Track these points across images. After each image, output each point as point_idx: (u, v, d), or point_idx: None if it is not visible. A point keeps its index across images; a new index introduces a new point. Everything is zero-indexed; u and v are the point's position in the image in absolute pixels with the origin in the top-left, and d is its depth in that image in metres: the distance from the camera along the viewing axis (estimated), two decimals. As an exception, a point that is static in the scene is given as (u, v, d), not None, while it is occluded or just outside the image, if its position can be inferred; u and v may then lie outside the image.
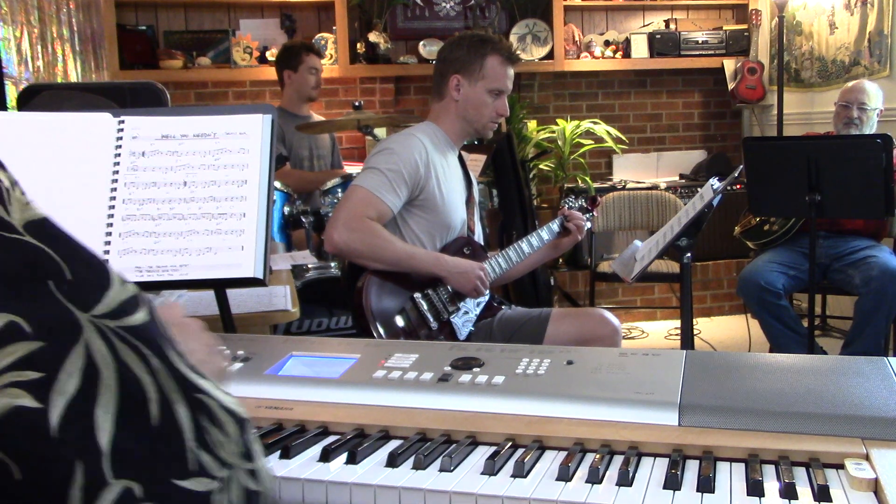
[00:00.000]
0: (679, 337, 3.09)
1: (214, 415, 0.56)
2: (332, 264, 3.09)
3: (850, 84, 3.70)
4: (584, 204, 2.69)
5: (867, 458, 0.88)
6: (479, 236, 2.49)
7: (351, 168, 4.06)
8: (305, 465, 0.95)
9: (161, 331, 0.57)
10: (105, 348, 0.52)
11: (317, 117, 4.21)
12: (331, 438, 1.02)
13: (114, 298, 0.54)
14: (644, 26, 5.38)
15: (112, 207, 1.43)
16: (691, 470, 0.90)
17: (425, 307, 2.21)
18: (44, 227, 0.53)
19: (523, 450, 0.96)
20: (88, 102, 1.94)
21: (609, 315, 2.35)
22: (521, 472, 0.90)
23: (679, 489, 0.86)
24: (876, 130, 3.57)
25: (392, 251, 2.16)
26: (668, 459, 0.92)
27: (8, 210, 0.52)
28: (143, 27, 4.75)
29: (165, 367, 0.55)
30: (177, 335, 0.77)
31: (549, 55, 5.10)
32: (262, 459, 0.59)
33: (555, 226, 2.52)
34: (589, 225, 2.71)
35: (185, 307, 1.73)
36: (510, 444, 0.97)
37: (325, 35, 4.87)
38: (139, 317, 0.55)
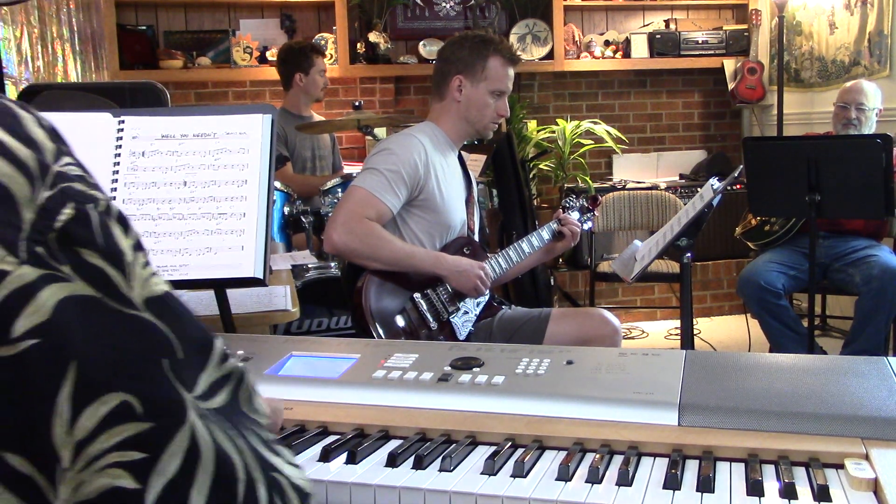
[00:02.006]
0: (679, 337, 3.09)
1: (285, 493, 0.56)
2: (332, 264, 3.09)
3: (847, 84, 3.69)
4: (584, 203, 2.68)
5: (867, 457, 0.88)
6: (478, 236, 2.49)
7: (351, 168, 4.06)
8: (305, 464, 0.95)
9: (242, 410, 0.57)
10: (205, 430, 0.52)
11: (318, 117, 4.21)
12: (330, 438, 1.02)
13: (207, 379, 0.54)
14: (644, 26, 5.38)
15: (112, 207, 1.43)
16: (691, 470, 0.90)
17: (425, 307, 2.21)
18: (162, 304, 0.53)
19: (523, 450, 0.96)
20: (88, 102, 1.94)
21: (609, 315, 2.35)
22: (520, 471, 0.90)
23: (679, 489, 0.86)
24: (875, 130, 3.57)
25: (391, 251, 2.16)
26: (667, 459, 0.92)
27: (130, 284, 0.52)
28: (143, 27, 4.75)
29: (248, 447, 0.55)
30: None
31: (549, 55, 5.10)
32: None
33: (554, 226, 2.52)
34: (590, 225, 2.70)
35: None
36: (510, 444, 0.97)
37: (325, 35, 4.87)
38: (223, 397, 0.55)
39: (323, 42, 4.80)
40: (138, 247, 0.54)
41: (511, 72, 2.36)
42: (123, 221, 0.55)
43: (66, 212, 0.51)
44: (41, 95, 2.01)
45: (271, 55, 4.75)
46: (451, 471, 0.91)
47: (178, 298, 0.55)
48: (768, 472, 0.89)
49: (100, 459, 0.49)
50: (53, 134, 0.55)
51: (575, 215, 2.59)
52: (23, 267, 0.48)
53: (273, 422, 0.96)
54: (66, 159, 0.54)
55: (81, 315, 0.49)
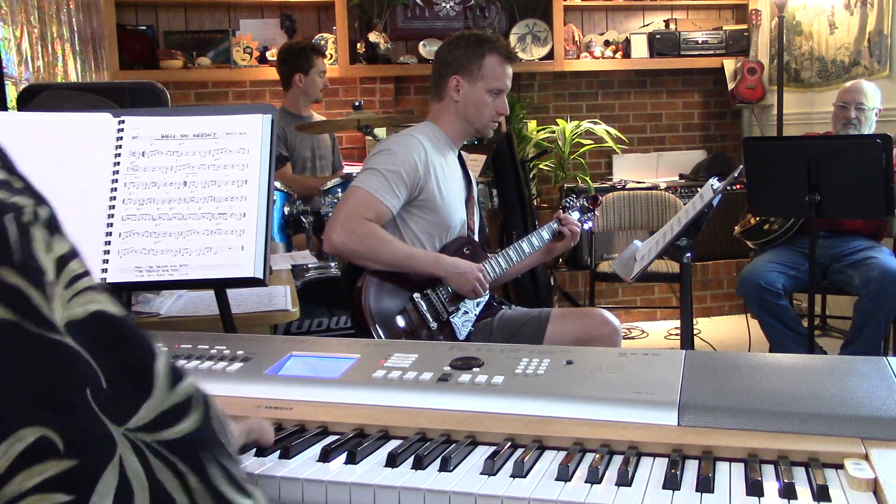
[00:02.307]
0: (679, 337, 3.09)
1: None
2: (332, 264, 3.09)
3: (847, 84, 3.69)
4: (585, 203, 2.68)
5: (866, 458, 0.88)
6: (478, 236, 2.49)
7: (351, 168, 4.06)
8: (305, 465, 0.95)
9: (207, 440, 0.51)
10: (139, 466, 0.46)
11: (318, 117, 4.21)
12: (330, 438, 1.02)
13: (153, 409, 0.49)
14: (644, 26, 5.38)
15: (112, 207, 1.43)
16: (691, 470, 0.90)
17: (425, 307, 2.21)
18: (85, 327, 0.47)
19: (523, 450, 0.96)
20: (88, 102, 1.94)
21: (609, 315, 2.35)
22: (520, 471, 0.90)
23: (678, 489, 0.86)
24: (875, 130, 3.57)
25: (391, 252, 2.16)
26: (667, 459, 0.92)
27: (52, 305, 0.46)
28: (143, 27, 4.75)
29: (204, 486, 0.49)
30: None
31: (549, 55, 5.10)
32: None
33: (555, 225, 2.52)
34: (590, 225, 2.70)
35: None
36: (510, 444, 0.97)
37: (325, 35, 4.87)
38: (182, 427, 0.49)
39: (323, 42, 4.80)
40: (64, 260, 0.48)
41: (509, 70, 2.36)
42: (54, 228, 0.49)
43: None
44: (41, 95, 2.01)
45: (271, 55, 4.75)
46: (451, 471, 0.91)
47: (112, 319, 0.49)
48: (768, 472, 0.89)
49: (20, 502, 0.43)
50: None
51: (575, 215, 2.59)
52: None
53: (256, 438, 0.96)
54: None
55: None
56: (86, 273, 0.49)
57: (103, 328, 0.49)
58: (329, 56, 4.79)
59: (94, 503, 0.44)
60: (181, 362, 1.24)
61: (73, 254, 0.49)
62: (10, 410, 0.44)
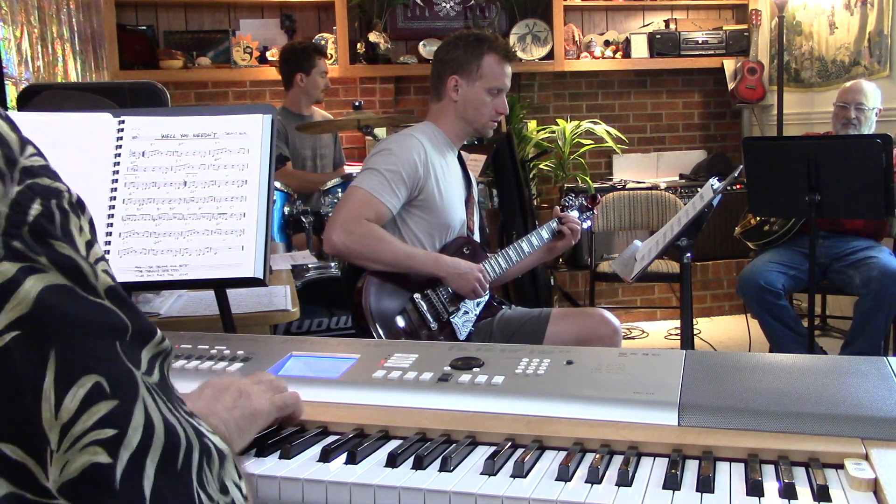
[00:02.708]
0: (679, 337, 3.09)
1: (212, 455, 0.60)
2: (332, 264, 3.09)
3: (847, 84, 3.69)
4: (584, 203, 2.68)
5: (867, 458, 0.88)
6: (478, 236, 2.49)
7: (350, 168, 4.06)
8: (305, 465, 0.95)
9: (169, 381, 0.60)
10: (153, 403, 0.56)
11: (319, 115, 4.21)
12: (330, 438, 1.02)
13: (146, 356, 0.58)
14: (644, 26, 5.38)
15: (112, 207, 1.43)
16: (691, 470, 0.90)
17: (425, 307, 2.21)
18: (116, 292, 0.57)
19: (523, 450, 0.95)
20: (88, 102, 1.94)
21: (609, 315, 2.35)
22: (520, 472, 0.90)
23: (679, 489, 0.86)
24: (875, 130, 3.57)
25: (391, 252, 2.16)
26: (667, 459, 0.92)
27: (96, 273, 0.55)
28: (143, 27, 4.75)
29: (184, 417, 0.59)
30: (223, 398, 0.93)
31: (549, 55, 5.10)
32: (235, 492, 0.63)
33: (554, 225, 2.52)
34: (589, 224, 2.70)
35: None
36: (510, 444, 0.97)
37: (325, 35, 4.87)
38: (157, 372, 0.58)
39: (323, 42, 4.80)
40: (90, 244, 0.57)
41: (508, 69, 2.35)
42: (81, 208, 0.57)
43: (35, 207, 0.53)
44: (41, 95, 2.01)
45: (271, 55, 4.75)
46: (451, 471, 0.91)
47: (120, 288, 0.58)
48: (768, 472, 0.89)
49: (82, 439, 0.52)
50: (12, 123, 0.56)
51: (574, 214, 2.59)
52: (2, 263, 0.51)
53: (290, 413, 1.03)
54: (30, 149, 0.56)
55: (58, 303, 0.52)
56: (103, 257, 0.58)
57: (122, 294, 0.58)
58: (329, 56, 4.79)
59: (129, 435, 0.53)
60: (181, 362, 1.24)
61: (94, 240, 0.58)
62: (74, 361, 0.52)
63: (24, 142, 0.56)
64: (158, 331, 0.60)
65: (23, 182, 0.53)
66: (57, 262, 0.53)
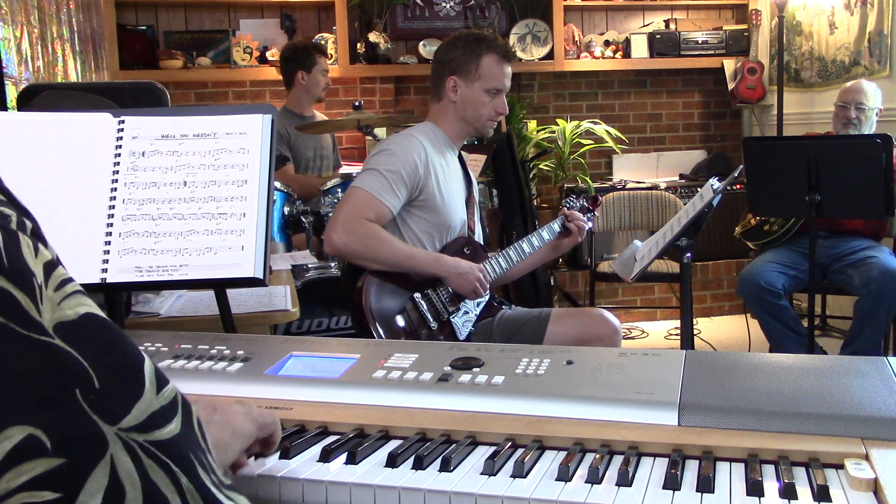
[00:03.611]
0: (679, 337, 3.09)
1: None
2: (332, 264, 3.09)
3: (847, 84, 3.69)
4: (585, 203, 2.68)
5: (867, 458, 0.88)
6: (479, 236, 2.49)
7: (350, 168, 4.06)
8: (305, 465, 0.95)
9: (193, 442, 0.52)
10: (132, 465, 0.47)
11: (320, 116, 4.21)
12: (331, 438, 1.02)
13: (144, 410, 0.50)
14: (644, 26, 5.38)
15: (112, 207, 1.43)
16: (691, 470, 0.90)
17: (425, 307, 2.21)
18: (76, 329, 0.48)
19: (523, 450, 0.95)
20: (88, 102, 1.93)
21: (609, 315, 2.35)
22: (520, 472, 0.90)
23: (679, 489, 0.86)
24: (875, 130, 3.57)
25: (391, 252, 2.16)
26: (667, 459, 0.92)
27: (39, 309, 0.47)
28: (143, 27, 4.75)
29: (196, 487, 0.50)
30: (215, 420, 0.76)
31: (549, 55, 5.10)
32: None
33: (556, 226, 2.52)
34: (590, 225, 2.70)
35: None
36: (510, 444, 0.97)
37: (325, 35, 4.87)
38: (171, 428, 0.51)
39: (323, 42, 4.80)
40: (51, 266, 0.50)
41: (507, 69, 2.35)
42: (38, 237, 0.50)
43: None
44: (41, 95, 2.01)
45: (271, 55, 4.75)
46: (451, 471, 0.91)
47: (101, 322, 0.51)
48: (768, 472, 0.89)
49: (6, 501, 0.44)
50: None
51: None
52: None
53: (271, 433, 0.93)
54: None
55: None
56: (71, 279, 0.50)
57: (94, 330, 0.50)
58: (329, 56, 4.79)
59: (81, 501, 0.45)
60: (181, 362, 1.24)
61: (57, 261, 0.50)
62: (2, 405, 0.44)
63: None
64: (152, 377, 0.51)
65: None
66: None
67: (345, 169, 4.14)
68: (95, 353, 0.48)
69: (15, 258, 0.48)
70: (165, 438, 0.50)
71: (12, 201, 0.51)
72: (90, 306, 0.50)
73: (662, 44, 5.21)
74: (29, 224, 0.50)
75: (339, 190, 3.21)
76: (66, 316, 0.49)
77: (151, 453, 0.49)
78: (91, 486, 0.45)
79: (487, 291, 2.32)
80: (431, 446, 0.96)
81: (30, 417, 0.45)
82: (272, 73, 4.62)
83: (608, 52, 5.24)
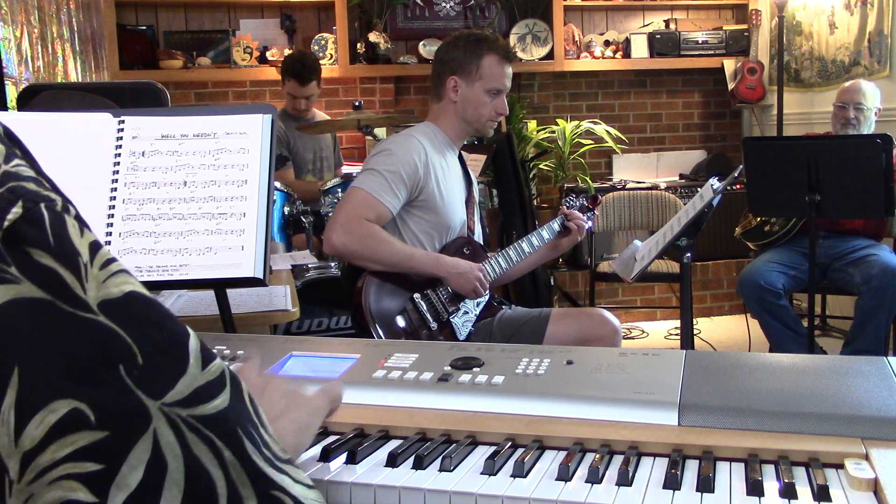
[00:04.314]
0: (679, 337, 3.09)
1: None
2: (332, 264, 3.09)
3: (846, 84, 3.69)
4: (585, 203, 2.69)
5: (867, 457, 0.88)
6: (478, 236, 2.49)
7: (350, 168, 4.06)
8: (305, 465, 0.95)
9: (242, 417, 0.53)
10: (175, 439, 0.48)
11: (321, 115, 4.21)
12: (331, 438, 1.02)
13: (188, 385, 0.50)
14: (644, 26, 5.38)
15: (112, 207, 1.43)
16: (691, 470, 0.90)
17: (425, 307, 2.21)
18: (121, 306, 0.50)
19: (523, 450, 0.95)
20: (88, 102, 1.93)
21: (609, 315, 2.35)
22: (520, 471, 0.90)
23: (679, 489, 0.86)
24: (875, 130, 3.57)
25: (391, 252, 2.16)
26: (667, 459, 0.92)
27: (84, 287, 0.49)
28: (143, 27, 4.75)
29: (240, 461, 0.51)
30: (274, 403, 0.75)
31: (549, 55, 5.10)
32: None
33: (555, 225, 2.52)
34: (590, 224, 2.70)
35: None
36: (510, 444, 0.97)
37: (326, 35, 4.87)
38: (216, 403, 0.51)
39: (323, 42, 4.80)
40: (96, 246, 0.52)
41: (507, 70, 2.35)
42: (81, 222, 0.52)
43: (15, 210, 0.48)
44: (41, 95, 2.01)
45: (271, 55, 4.75)
46: (451, 471, 0.91)
47: (145, 299, 0.52)
48: (768, 472, 0.89)
49: (51, 471, 0.46)
50: (5, 137, 0.53)
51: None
52: None
53: (333, 408, 0.91)
54: (17, 161, 0.52)
55: (28, 318, 0.47)
56: (115, 259, 0.52)
57: (138, 307, 0.51)
58: (329, 56, 4.80)
59: (123, 473, 0.46)
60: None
61: (100, 243, 0.52)
62: (44, 383, 0.46)
63: (13, 154, 0.52)
64: (197, 353, 0.52)
65: (2, 185, 0.49)
66: (31, 273, 0.47)
67: (345, 169, 4.15)
68: (139, 330, 0.50)
69: (61, 238, 0.49)
70: (210, 413, 0.51)
71: (56, 189, 0.53)
72: (134, 285, 0.52)
73: (662, 44, 5.21)
74: (72, 209, 0.52)
75: (339, 190, 3.21)
76: (110, 293, 0.50)
77: (194, 427, 0.49)
78: (133, 458, 0.47)
79: (487, 291, 2.32)
80: (431, 446, 0.96)
81: (74, 392, 0.46)
82: (272, 73, 4.62)
83: (608, 52, 5.24)
